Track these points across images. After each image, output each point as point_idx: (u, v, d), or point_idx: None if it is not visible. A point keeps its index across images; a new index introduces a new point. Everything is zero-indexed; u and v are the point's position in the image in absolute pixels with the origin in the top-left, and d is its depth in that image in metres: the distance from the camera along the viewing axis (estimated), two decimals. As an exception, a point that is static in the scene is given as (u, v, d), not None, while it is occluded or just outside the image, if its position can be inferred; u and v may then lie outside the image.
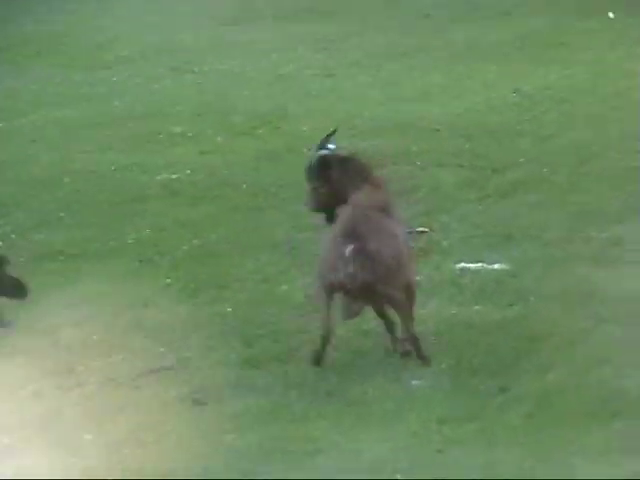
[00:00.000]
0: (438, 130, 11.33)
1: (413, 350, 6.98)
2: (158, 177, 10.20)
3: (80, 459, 5.75)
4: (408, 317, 7.02)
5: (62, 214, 9.43)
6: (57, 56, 14.87)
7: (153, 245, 8.62)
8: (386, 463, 5.63)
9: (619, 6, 16.28)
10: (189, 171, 10.32)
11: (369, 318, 7.13)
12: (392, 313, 7.18)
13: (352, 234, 6.99)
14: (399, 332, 7.13)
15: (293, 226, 8.90)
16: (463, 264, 8.24)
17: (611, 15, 16.85)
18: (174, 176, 10.22)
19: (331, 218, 7.08)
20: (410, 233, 8.47)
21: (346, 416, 6.20)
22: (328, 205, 7.02)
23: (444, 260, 8.33)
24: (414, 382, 6.54)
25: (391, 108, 12.10)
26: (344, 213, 7.14)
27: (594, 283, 7.83)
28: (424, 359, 6.91)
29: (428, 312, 7.46)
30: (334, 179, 6.90)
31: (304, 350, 6.92)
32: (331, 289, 6.99)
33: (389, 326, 7.17)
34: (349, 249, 6.91)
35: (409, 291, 7.06)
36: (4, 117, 12.19)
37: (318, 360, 6.77)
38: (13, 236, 9.09)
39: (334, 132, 7.07)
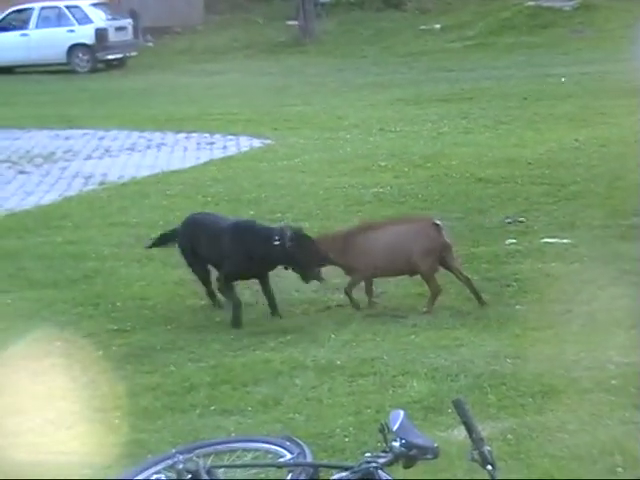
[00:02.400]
0: (530, 163, 11.12)
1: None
2: (371, 191, 10.16)
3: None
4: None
5: (318, 211, 9.28)
6: (315, 124, 14.78)
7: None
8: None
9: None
10: (389, 187, 10.28)
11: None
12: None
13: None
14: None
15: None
16: (546, 239, 8.12)
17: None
18: (380, 190, 10.19)
19: None
20: (514, 222, 8.50)
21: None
22: None
23: (534, 236, 8.25)
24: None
25: (503, 151, 11.90)
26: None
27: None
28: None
29: (527, 267, 7.29)
30: None
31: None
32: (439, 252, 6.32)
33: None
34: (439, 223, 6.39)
35: None
36: (289, 157, 12.17)
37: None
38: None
39: None
